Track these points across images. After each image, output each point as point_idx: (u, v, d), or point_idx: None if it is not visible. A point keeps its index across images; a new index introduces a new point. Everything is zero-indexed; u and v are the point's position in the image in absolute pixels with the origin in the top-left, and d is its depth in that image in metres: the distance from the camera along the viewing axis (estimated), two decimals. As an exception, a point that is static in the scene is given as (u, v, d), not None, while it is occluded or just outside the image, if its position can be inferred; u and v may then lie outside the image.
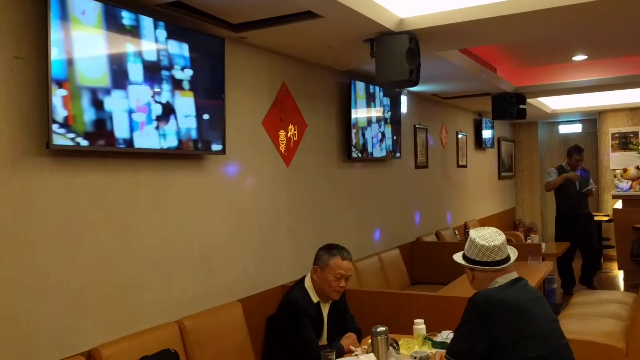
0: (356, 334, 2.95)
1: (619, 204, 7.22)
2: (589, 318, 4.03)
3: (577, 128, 10.00)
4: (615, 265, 7.54)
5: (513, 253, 2.25)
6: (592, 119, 9.62)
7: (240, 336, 3.16)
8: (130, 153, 2.71)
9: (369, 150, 4.94)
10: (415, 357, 2.38)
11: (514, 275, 2.21)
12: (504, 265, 2.18)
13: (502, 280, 2.17)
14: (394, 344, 2.47)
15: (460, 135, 7.61)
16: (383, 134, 5.21)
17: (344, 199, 4.80)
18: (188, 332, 2.86)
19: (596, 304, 4.43)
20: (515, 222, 10.02)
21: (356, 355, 2.65)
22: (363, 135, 4.83)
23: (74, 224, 2.48)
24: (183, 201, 3.09)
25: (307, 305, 2.85)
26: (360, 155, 4.79)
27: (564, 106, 8.92)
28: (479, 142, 8.31)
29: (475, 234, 2.27)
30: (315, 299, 2.91)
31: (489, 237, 2.21)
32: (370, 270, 4.88)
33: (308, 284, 2.94)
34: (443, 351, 2.38)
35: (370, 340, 2.43)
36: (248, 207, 3.62)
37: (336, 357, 2.45)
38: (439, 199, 6.92)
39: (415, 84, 3.58)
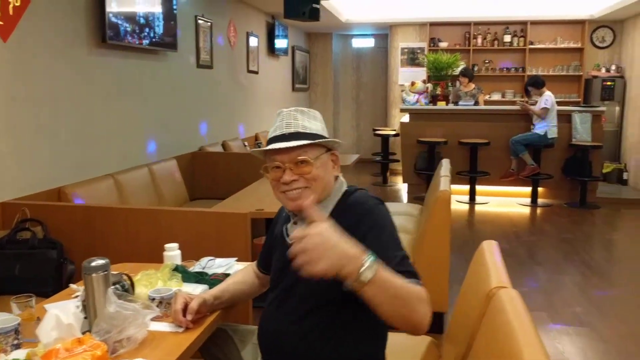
0: None
1: (405, 118, 7.23)
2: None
3: (369, 42, 9.89)
4: (400, 178, 7.68)
5: None
6: (384, 34, 9.57)
7: None
8: None
9: (135, 35, 3.93)
10: (153, 299, 1.67)
11: None
12: None
13: None
14: (123, 282, 1.71)
15: (251, 38, 6.86)
16: (152, 18, 4.21)
17: (100, 98, 3.77)
18: None
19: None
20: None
21: (76, 296, 1.86)
22: (122, 15, 3.79)
23: None
24: None
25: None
26: (120, 40, 3.77)
27: (357, 17, 8.65)
28: (272, 48, 7.66)
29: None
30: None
31: None
32: (136, 184, 4.00)
33: None
34: (200, 291, 1.71)
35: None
36: None
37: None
38: (229, 107, 6.16)
39: None
